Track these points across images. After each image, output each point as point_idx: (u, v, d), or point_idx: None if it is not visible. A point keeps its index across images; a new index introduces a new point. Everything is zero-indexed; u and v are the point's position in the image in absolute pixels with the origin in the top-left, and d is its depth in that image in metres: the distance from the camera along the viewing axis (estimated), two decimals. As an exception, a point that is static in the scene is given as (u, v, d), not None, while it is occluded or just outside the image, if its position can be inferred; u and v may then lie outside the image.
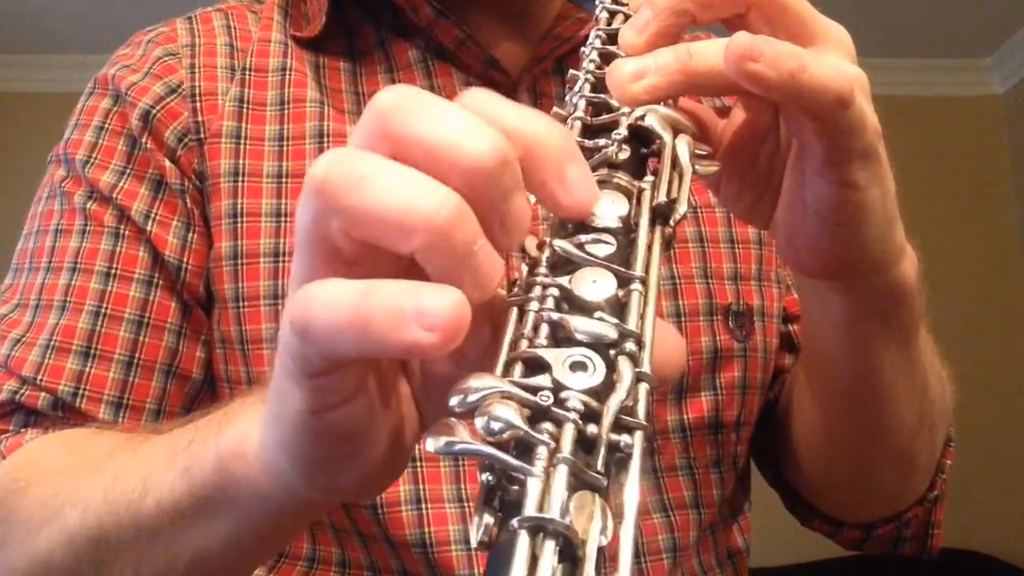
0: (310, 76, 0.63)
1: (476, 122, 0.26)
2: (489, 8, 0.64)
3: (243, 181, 0.59)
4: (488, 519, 0.24)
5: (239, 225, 0.58)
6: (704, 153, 0.34)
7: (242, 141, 0.60)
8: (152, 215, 0.59)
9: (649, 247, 0.30)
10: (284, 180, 0.60)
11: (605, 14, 0.40)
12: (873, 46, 2.81)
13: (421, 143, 0.26)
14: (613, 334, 0.27)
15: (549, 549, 0.22)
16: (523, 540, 0.22)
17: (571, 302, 0.28)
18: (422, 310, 0.24)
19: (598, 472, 0.24)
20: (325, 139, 0.60)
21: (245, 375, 0.58)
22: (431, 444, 0.25)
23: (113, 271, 0.58)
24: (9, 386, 0.55)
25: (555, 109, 0.36)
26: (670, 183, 0.32)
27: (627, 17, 0.39)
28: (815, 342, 0.54)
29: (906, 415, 0.53)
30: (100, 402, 0.56)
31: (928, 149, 2.82)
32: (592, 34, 0.39)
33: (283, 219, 0.59)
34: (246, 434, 0.34)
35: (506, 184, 0.26)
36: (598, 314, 0.28)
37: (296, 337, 0.26)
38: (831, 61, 0.35)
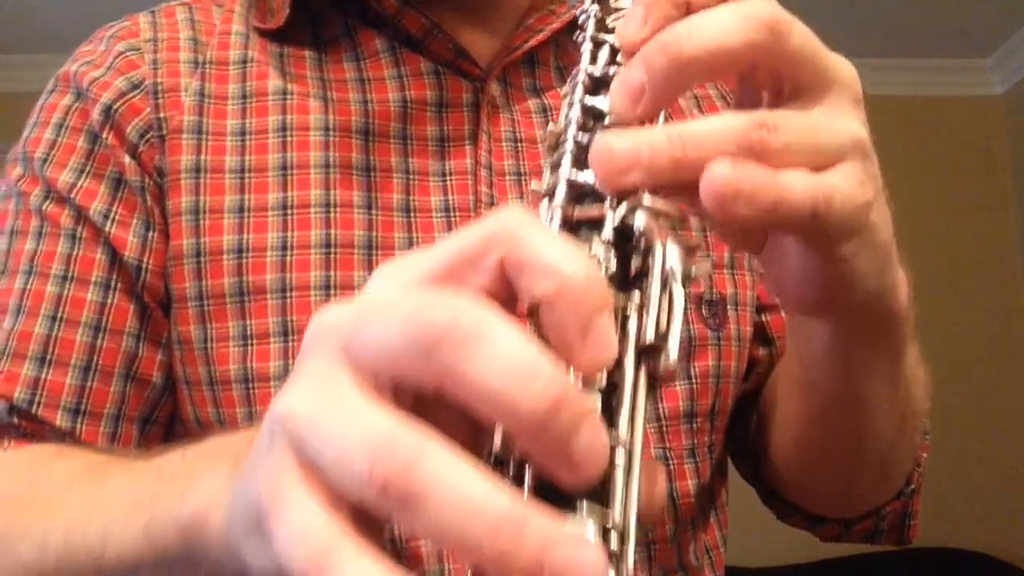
0: (272, 66, 0.62)
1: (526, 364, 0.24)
2: None
3: (205, 178, 0.58)
4: None
5: (201, 222, 0.57)
6: (694, 246, 0.30)
7: (203, 136, 0.59)
8: (111, 215, 0.58)
9: (634, 401, 0.27)
10: (247, 175, 0.59)
11: (589, 47, 0.34)
12: (873, 46, 2.81)
13: (472, 391, 0.24)
14: (592, 535, 0.24)
15: None
16: None
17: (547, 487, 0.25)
18: None
19: None
20: (288, 133, 0.60)
21: (207, 375, 0.56)
22: None
23: (70, 275, 0.57)
24: None
25: (534, 185, 0.32)
26: (659, 311, 0.28)
27: (614, 51, 0.34)
28: (798, 360, 0.52)
29: (887, 428, 0.52)
30: (57, 408, 0.55)
31: (928, 149, 2.82)
32: (570, 83, 0.34)
33: (246, 214, 0.58)
34: (209, 507, 0.34)
35: (563, 425, 0.24)
36: (578, 505, 0.25)
37: None
38: (803, 173, 0.31)
